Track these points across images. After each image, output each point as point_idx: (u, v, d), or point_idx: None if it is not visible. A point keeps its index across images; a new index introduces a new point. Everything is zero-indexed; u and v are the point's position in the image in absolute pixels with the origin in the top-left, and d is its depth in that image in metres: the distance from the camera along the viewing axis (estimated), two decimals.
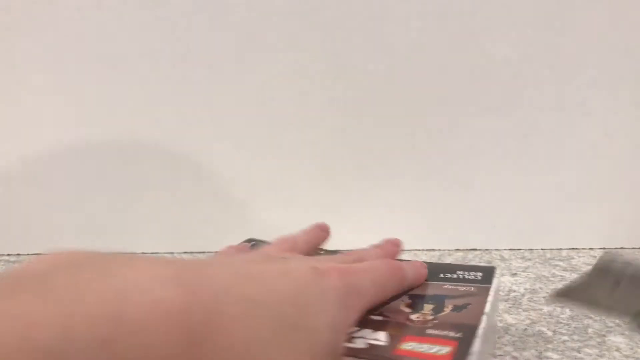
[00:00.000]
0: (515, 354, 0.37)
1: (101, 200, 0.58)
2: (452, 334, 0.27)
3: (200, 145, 0.57)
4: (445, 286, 0.33)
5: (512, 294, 0.47)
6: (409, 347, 0.26)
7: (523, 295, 0.47)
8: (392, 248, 0.37)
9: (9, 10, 0.55)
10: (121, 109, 0.57)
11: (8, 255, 0.59)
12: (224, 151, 0.57)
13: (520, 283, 0.49)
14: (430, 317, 0.29)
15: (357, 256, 0.33)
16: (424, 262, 0.36)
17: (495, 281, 0.34)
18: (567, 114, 0.56)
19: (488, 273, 0.35)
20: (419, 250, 0.58)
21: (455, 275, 0.35)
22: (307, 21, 0.55)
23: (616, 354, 0.37)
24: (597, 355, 0.37)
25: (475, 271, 0.35)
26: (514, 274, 0.51)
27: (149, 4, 0.54)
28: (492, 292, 0.32)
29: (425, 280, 0.34)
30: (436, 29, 0.54)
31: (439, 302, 0.31)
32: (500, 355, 0.36)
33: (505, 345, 0.37)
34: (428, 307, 0.31)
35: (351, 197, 0.58)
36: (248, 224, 0.59)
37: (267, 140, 0.57)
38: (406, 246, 0.59)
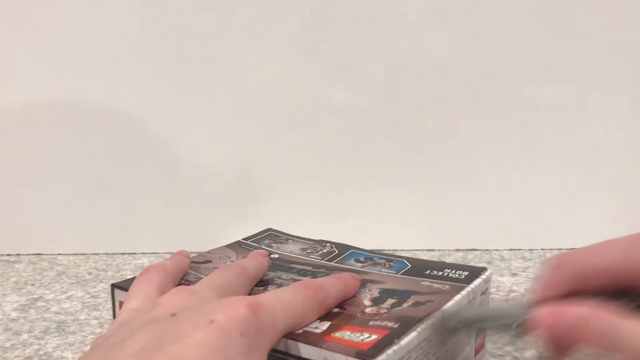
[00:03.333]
0: (515, 354, 0.37)
1: (101, 200, 0.58)
2: (390, 324, 0.27)
3: (200, 145, 0.57)
4: (423, 282, 0.33)
5: (512, 294, 0.47)
6: (339, 335, 0.26)
7: (523, 295, 0.47)
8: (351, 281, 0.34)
9: (9, 10, 0.55)
10: (121, 109, 0.56)
11: (8, 255, 0.59)
12: (224, 151, 0.57)
13: (521, 283, 0.49)
14: (384, 311, 0.29)
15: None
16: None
17: (477, 281, 0.33)
18: (567, 114, 0.56)
19: (474, 273, 0.34)
20: (419, 250, 0.58)
21: (440, 273, 0.34)
22: (307, 21, 0.55)
23: (617, 354, 0.37)
24: (598, 355, 0.37)
25: (462, 270, 0.34)
26: (514, 274, 0.51)
27: (149, 4, 0.54)
28: (464, 292, 0.31)
29: (408, 275, 0.34)
30: (436, 29, 0.54)
31: (402, 297, 0.31)
32: (501, 355, 0.36)
33: (506, 345, 0.37)
34: (389, 302, 0.30)
35: (351, 197, 0.58)
36: (248, 224, 0.59)
37: (267, 140, 0.57)
38: (406, 246, 0.59)
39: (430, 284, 0.33)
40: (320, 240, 0.42)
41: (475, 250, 0.58)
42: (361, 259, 0.38)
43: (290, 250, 0.40)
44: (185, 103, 0.56)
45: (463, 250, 0.58)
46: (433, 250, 0.58)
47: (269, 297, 0.26)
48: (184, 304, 0.26)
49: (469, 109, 0.56)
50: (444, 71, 0.55)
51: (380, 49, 0.55)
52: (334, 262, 0.37)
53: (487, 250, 0.58)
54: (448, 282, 0.33)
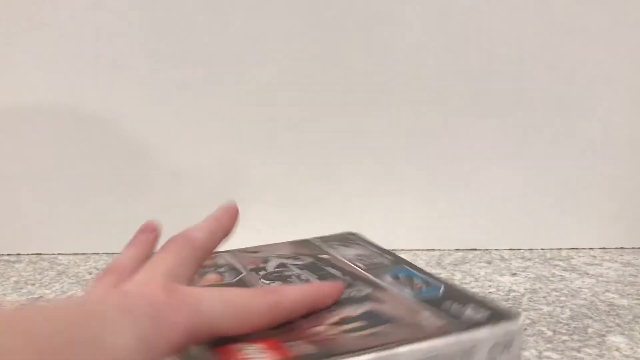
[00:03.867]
0: None
1: (101, 200, 0.58)
2: (309, 348, 0.24)
3: (200, 145, 0.57)
4: (424, 313, 0.27)
5: (512, 294, 0.47)
6: (245, 349, 0.25)
7: (523, 295, 0.47)
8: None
9: (9, 10, 0.55)
10: (121, 109, 0.57)
11: (8, 255, 0.59)
12: (224, 151, 0.57)
13: (520, 283, 0.49)
14: (331, 333, 0.26)
15: None
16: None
17: (483, 331, 0.25)
18: (567, 114, 0.56)
19: (497, 315, 0.27)
20: (419, 250, 0.58)
21: (459, 306, 0.28)
22: (307, 21, 0.55)
23: (616, 353, 0.38)
24: (597, 355, 0.37)
25: (486, 308, 0.27)
26: (514, 274, 0.52)
27: (149, 4, 0.54)
28: (446, 339, 0.25)
29: (425, 302, 0.29)
30: (436, 29, 0.54)
31: (374, 323, 0.26)
32: None
33: None
34: (352, 325, 0.26)
35: (351, 197, 0.58)
36: (248, 224, 0.59)
37: (267, 140, 0.57)
38: (406, 246, 0.59)
39: (431, 316, 0.27)
40: (385, 250, 0.38)
41: (475, 250, 0.58)
42: (399, 276, 0.33)
43: (344, 254, 0.37)
44: (185, 103, 0.56)
45: (463, 250, 0.58)
46: (433, 250, 0.58)
47: (208, 291, 0.27)
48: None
49: (469, 109, 0.56)
50: (443, 71, 0.55)
51: (380, 48, 0.55)
52: (370, 275, 0.33)
53: (487, 250, 0.58)
54: (455, 319, 0.26)
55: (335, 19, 0.55)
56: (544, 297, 0.46)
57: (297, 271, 0.34)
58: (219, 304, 0.26)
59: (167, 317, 0.24)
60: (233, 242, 0.61)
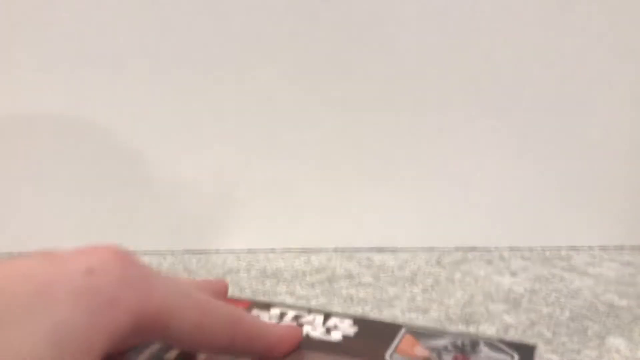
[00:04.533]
0: None
1: (102, 200, 0.58)
2: None
3: (200, 145, 0.57)
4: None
5: (512, 295, 0.47)
6: None
7: (522, 295, 0.47)
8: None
9: (9, 10, 0.54)
10: (121, 109, 0.56)
11: (8, 255, 0.59)
12: (224, 151, 0.57)
13: (520, 283, 0.50)
14: None
15: None
16: None
17: None
18: (567, 114, 0.56)
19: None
20: (419, 249, 0.58)
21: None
22: (307, 21, 0.54)
23: (615, 355, 0.38)
24: (597, 357, 0.38)
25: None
26: (514, 274, 0.52)
27: (149, 4, 0.54)
28: None
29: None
30: (436, 29, 0.54)
31: None
32: None
33: None
34: None
35: (351, 197, 0.58)
36: (248, 224, 0.59)
37: (267, 140, 0.57)
38: (406, 245, 0.59)
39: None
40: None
41: (475, 249, 0.58)
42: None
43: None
44: (185, 103, 0.56)
45: (463, 249, 0.58)
46: (432, 249, 0.58)
47: (162, 276, 0.21)
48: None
49: (468, 108, 0.56)
50: (443, 71, 0.55)
51: (380, 49, 0.55)
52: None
53: (486, 248, 0.58)
54: None
55: (335, 19, 0.54)
56: (544, 298, 0.46)
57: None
58: (178, 292, 0.20)
59: (110, 294, 0.18)
60: (234, 243, 0.61)
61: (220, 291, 0.28)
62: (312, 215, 0.58)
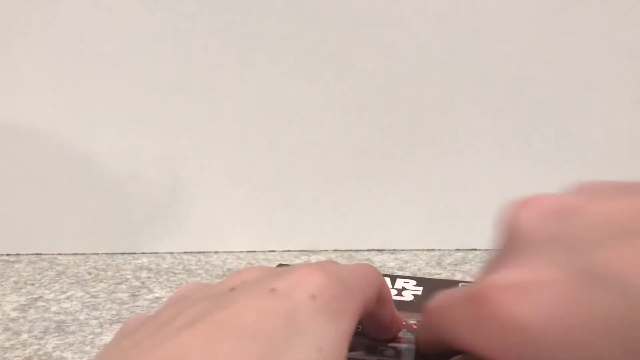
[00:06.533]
0: None
1: (102, 200, 0.58)
2: None
3: (200, 145, 0.57)
4: None
5: None
6: None
7: None
8: None
9: (9, 10, 0.54)
10: (121, 109, 0.56)
11: (8, 255, 0.59)
12: (224, 151, 0.57)
13: None
14: None
15: None
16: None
17: None
18: (567, 114, 0.56)
19: None
20: (419, 250, 0.58)
21: None
22: (307, 21, 0.55)
23: None
24: None
25: None
26: None
27: (149, 4, 0.54)
28: None
29: None
30: (436, 29, 0.54)
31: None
32: None
33: None
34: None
35: (351, 197, 0.58)
36: (248, 224, 0.59)
37: (267, 140, 0.57)
38: (407, 246, 0.59)
39: None
40: None
41: (476, 250, 0.58)
42: None
43: None
44: (185, 103, 0.56)
45: (463, 250, 0.58)
46: (433, 250, 0.58)
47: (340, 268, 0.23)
48: (249, 278, 0.22)
49: (468, 108, 0.56)
50: (443, 71, 0.55)
51: (380, 49, 0.55)
52: None
53: (487, 250, 0.58)
54: None
55: (335, 19, 0.54)
56: None
57: None
58: (355, 277, 0.22)
59: (330, 303, 0.20)
60: (233, 243, 0.61)
61: None
62: (311, 215, 0.58)
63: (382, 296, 0.24)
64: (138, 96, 0.56)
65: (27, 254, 0.59)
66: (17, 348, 0.40)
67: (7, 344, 0.40)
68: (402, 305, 0.28)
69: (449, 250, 0.58)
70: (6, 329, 0.43)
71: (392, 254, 0.57)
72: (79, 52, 0.55)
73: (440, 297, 0.23)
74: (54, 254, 0.59)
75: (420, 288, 0.30)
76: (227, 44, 0.55)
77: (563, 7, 0.54)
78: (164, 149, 0.57)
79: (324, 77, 0.56)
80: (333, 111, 0.56)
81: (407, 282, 0.31)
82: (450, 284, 0.31)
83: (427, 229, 0.59)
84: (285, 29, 0.55)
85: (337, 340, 0.19)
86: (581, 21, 0.54)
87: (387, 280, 0.31)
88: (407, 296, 0.28)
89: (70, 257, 0.58)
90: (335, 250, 0.58)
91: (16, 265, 0.56)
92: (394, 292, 0.30)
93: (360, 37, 0.55)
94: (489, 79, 0.55)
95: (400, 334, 0.26)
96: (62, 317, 0.45)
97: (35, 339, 0.41)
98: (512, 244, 0.21)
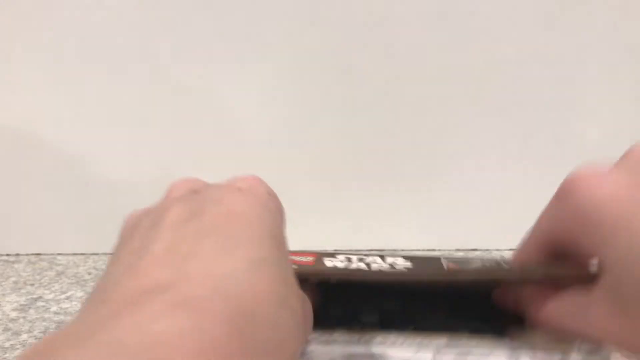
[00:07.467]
0: None
1: (102, 200, 0.58)
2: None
3: (199, 145, 0.57)
4: None
5: None
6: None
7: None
8: None
9: (9, 10, 0.54)
10: (121, 109, 0.56)
11: (7, 255, 0.59)
12: (224, 151, 0.57)
13: None
14: None
15: None
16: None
17: None
18: (567, 114, 0.56)
19: None
20: (419, 250, 0.58)
21: None
22: (307, 21, 0.54)
23: (616, 354, 0.37)
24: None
25: None
26: None
27: (149, 4, 0.54)
28: None
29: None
30: (436, 29, 0.54)
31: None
32: None
33: None
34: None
35: (351, 198, 0.58)
36: None
37: (267, 140, 0.57)
38: (406, 246, 0.59)
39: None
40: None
41: (476, 250, 0.58)
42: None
43: None
44: (184, 103, 0.56)
45: (463, 250, 0.58)
46: (433, 250, 0.58)
47: None
48: (200, 185, 0.24)
49: (469, 108, 0.56)
50: (444, 71, 0.55)
51: (381, 49, 0.55)
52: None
53: (487, 250, 0.58)
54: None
55: (335, 18, 0.54)
56: None
57: None
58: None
59: (277, 214, 0.24)
60: None
61: None
62: (311, 216, 0.58)
63: None
64: (138, 97, 0.56)
65: (27, 254, 0.59)
66: (17, 348, 0.40)
67: (7, 344, 0.40)
68: (398, 275, 0.31)
69: (449, 250, 0.58)
70: (6, 329, 0.43)
71: (392, 254, 0.57)
72: (79, 52, 0.55)
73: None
74: (53, 254, 0.59)
75: (409, 263, 0.32)
76: (227, 44, 0.55)
77: (563, 7, 0.54)
78: (163, 149, 0.57)
79: (324, 77, 0.56)
80: (333, 111, 0.56)
81: (396, 259, 0.33)
82: (435, 260, 0.34)
83: (428, 229, 0.59)
84: (285, 29, 0.55)
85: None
86: (581, 21, 0.54)
87: (377, 258, 0.33)
88: (401, 269, 0.31)
89: (70, 257, 0.58)
90: (335, 251, 0.57)
91: (16, 266, 0.56)
92: (386, 266, 0.32)
93: (360, 37, 0.55)
94: (489, 79, 0.55)
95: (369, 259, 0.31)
96: (61, 317, 0.45)
97: (35, 339, 0.41)
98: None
